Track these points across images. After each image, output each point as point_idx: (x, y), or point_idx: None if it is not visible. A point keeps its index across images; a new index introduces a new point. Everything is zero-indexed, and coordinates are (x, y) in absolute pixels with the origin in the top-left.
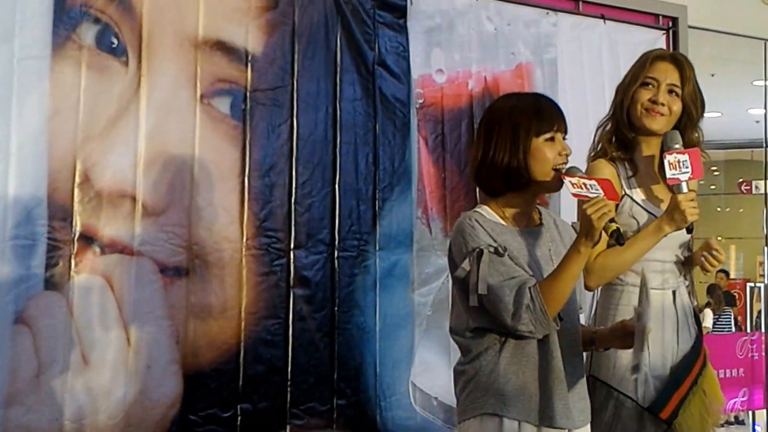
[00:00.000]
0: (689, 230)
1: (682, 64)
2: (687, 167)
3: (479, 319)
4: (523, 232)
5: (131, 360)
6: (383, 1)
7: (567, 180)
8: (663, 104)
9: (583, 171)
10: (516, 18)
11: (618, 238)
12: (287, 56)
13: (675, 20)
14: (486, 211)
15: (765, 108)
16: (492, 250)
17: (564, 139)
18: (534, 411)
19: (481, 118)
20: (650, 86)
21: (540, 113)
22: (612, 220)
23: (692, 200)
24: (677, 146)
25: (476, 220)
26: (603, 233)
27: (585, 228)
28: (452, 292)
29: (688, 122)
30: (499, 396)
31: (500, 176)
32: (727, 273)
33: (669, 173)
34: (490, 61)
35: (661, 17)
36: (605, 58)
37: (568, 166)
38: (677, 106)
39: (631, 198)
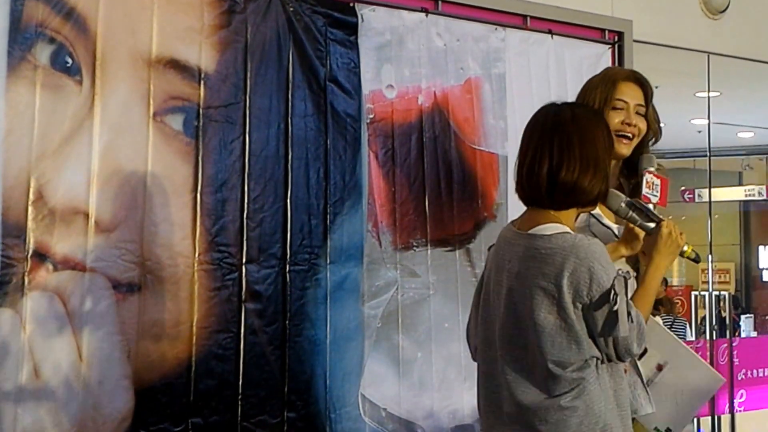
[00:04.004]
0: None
1: (644, 84)
2: (657, 192)
3: (594, 348)
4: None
5: (83, 375)
6: (334, 18)
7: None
8: (634, 125)
9: None
10: (465, 34)
11: (696, 258)
12: (240, 73)
13: (621, 35)
14: (570, 230)
15: (707, 118)
16: (625, 275)
17: None
18: (629, 427)
19: (548, 126)
20: (621, 109)
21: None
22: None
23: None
24: (653, 169)
25: (601, 245)
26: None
27: (669, 248)
28: (561, 324)
29: (647, 140)
30: (614, 425)
31: (584, 194)
32: (666, 281)
33: (644, 191)
34: (439, 76)
35: (607, 32)
36: (552, 72)
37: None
38: (644, 125)
39: (592, 215)
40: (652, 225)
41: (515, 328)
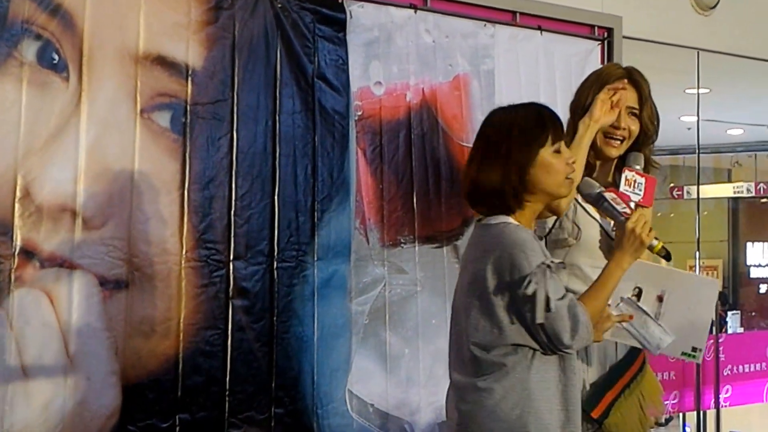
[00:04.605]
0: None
1: (640, 83)
2: (640, 190)
3: (519, 336)
4: (537, 241)
5: (71, 371)
6: (323, 15)
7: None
8: (624, 128)
9: None
10: (454, 30)
11: (666, 255)
12: (227, 70)
13: (610, 31)
14: (513, 221)
15: (697, 115)
16: (552, 266)
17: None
18: (558, 429)
19: (482, 133)
20: (611, 110)
21: (546, 125)
22: (656, 237)
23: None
24: (638, 167)
25: (529, 234)
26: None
27: (632, 245)
28: (475, 307)
29: (644, 140)
30: (535, 415)
31: (511, 194)
32: None
33: (622, 187)
34: (428, 73)
35: (596, 28)
36: (542, 69)
37: (581, 181)
38: (636, 126)
39: (578, 203)
40: (622, 218)
41: (456, 312)
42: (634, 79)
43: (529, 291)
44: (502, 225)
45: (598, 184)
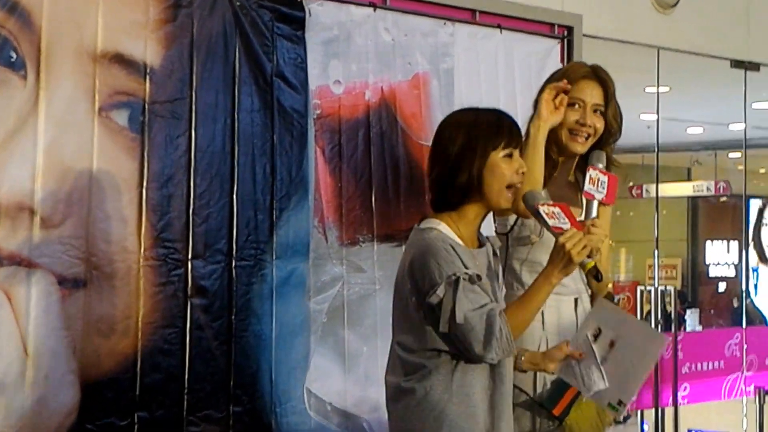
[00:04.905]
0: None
1: (605, 81)
2: (603, 189)
3: (439, 341)
4: (473, 253)
5: (29, 370)
6: (281, 13)
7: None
8: (589, 125)
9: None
10: (413, 28)
11: (597, 275)
12: (186, 68)
13: (570, 29)
14: (445, 229)
15: (657, 114)
16: (467, 277)
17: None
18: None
19: (439, 130)
20: (576, 107)
21: (501, 129)
22: (589, 256)
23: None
24: (601, 166)
25: (450, 244)
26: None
27: (561, 261)
28: (398, 307)
29: (608, 139)
30: (452, 419)
31: (457, 189)
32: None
33: (587, 186)
34: (387, 72)
35: (556, 26)
36: (501, 67)
37: (527, 191)
38: (601, 124)
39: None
40: (554, 233)
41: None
42: (600, 77)
43: (433, 301)
44: (428, 230)
45: (542, 197)
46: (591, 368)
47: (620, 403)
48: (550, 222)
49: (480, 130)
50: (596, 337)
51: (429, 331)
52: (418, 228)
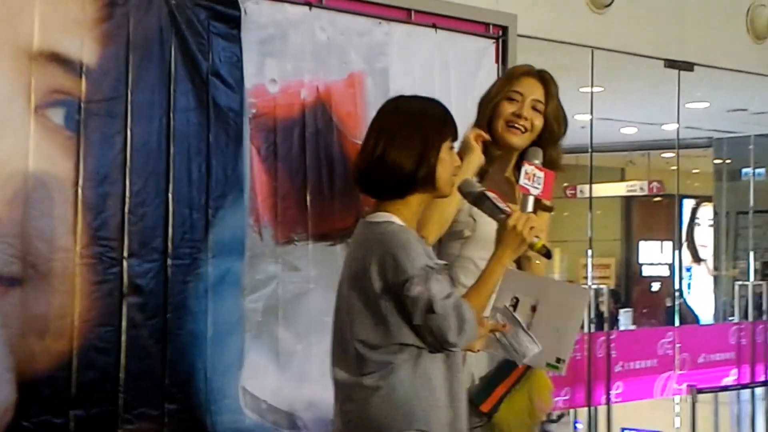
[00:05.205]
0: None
1: (547, 80)
2: (539, 184)
3: (406, 335)
4: (422, 243)
5: None
6: (217, 12)
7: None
8: (526, 118)
9: None
10: (349, 28)
11: (547, 253)
12: (121, 67)
13: (505, 29)
14: (398, 221)
15: (591, 114)
16: (435, 268)
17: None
18: (446, 426)
19: (380, 115)
20: (514, 100)
21: (449, 121)
22: (537, 236)
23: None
24: (537, 162)
25: (412, 235)
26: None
27: (512, 241)
28: (359, 304)
29: (549, 139)
30: (421, 412)
31: (415, 181)
32: None
33: (522, 181)
34: (322, 71)
35: (491, 26)
36: (437, 67)
37: (462, 181)
38: (539, 121)
39: None
40: (502, 216)
41: (339, 310)
42: (542, 75)
43: (412, 293)
44: (386, 224)
45: (478, 184)
46: (519, 335)
47: (558, 360)
48: (501, 205)
49: (433, 123)
50: (515, 306)
51: (395, 325)
52: (370, 221)
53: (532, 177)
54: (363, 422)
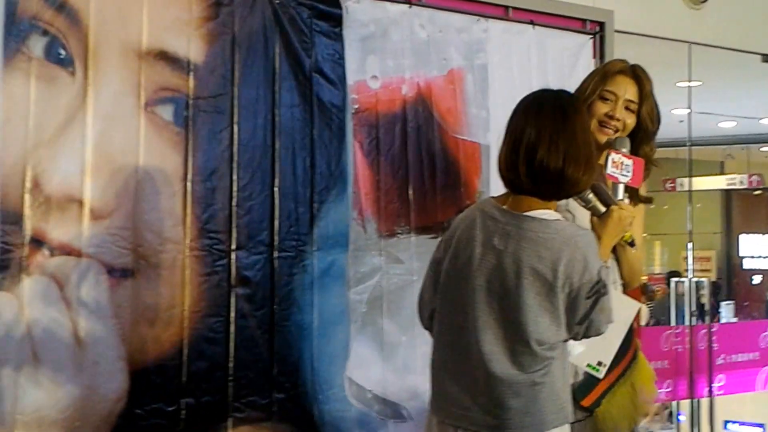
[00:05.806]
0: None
1: (641, 78)
2: (629, 171)
3: (569, 331)
4: None
5: (79, 357)
6: (319, 11)
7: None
8: (618, 119)
9: None
10: (448, 25)
11: (632, 243)
12: (227, 65)
13: (602, 25)
14: (561, 218)
15: (689, 108)
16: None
17: None
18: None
19: (548, 123)
20: (608, 100)
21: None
22: None
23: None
24: (625, 150)
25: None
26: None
27: (616, 232)
28: (530, 300)
29: (643, 136)
30: (567, 405)
31: (577, 191)
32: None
33: (610, 169)
34: (422, 67)
35: (588, 22)
36: (534, 63)
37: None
38: (631, 120)
39: None
40: (604, 209)
41: (498, 304)
42: (636, 74)
43: (603, 293)
44: (563, 222)
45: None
46: None
47: (599, 363)
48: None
49: (582, 114)
50: None
51: (565, 323)
52: (541, 219)
53: (620, 165)
54: (528, 417)
